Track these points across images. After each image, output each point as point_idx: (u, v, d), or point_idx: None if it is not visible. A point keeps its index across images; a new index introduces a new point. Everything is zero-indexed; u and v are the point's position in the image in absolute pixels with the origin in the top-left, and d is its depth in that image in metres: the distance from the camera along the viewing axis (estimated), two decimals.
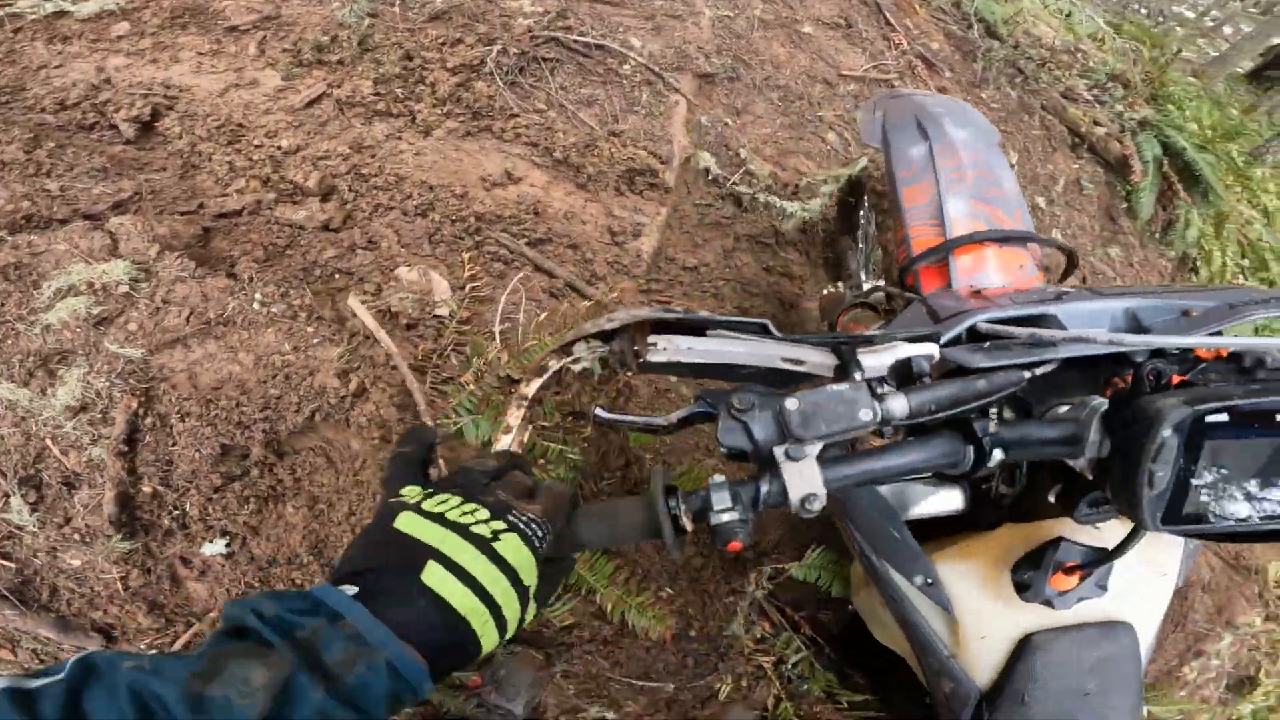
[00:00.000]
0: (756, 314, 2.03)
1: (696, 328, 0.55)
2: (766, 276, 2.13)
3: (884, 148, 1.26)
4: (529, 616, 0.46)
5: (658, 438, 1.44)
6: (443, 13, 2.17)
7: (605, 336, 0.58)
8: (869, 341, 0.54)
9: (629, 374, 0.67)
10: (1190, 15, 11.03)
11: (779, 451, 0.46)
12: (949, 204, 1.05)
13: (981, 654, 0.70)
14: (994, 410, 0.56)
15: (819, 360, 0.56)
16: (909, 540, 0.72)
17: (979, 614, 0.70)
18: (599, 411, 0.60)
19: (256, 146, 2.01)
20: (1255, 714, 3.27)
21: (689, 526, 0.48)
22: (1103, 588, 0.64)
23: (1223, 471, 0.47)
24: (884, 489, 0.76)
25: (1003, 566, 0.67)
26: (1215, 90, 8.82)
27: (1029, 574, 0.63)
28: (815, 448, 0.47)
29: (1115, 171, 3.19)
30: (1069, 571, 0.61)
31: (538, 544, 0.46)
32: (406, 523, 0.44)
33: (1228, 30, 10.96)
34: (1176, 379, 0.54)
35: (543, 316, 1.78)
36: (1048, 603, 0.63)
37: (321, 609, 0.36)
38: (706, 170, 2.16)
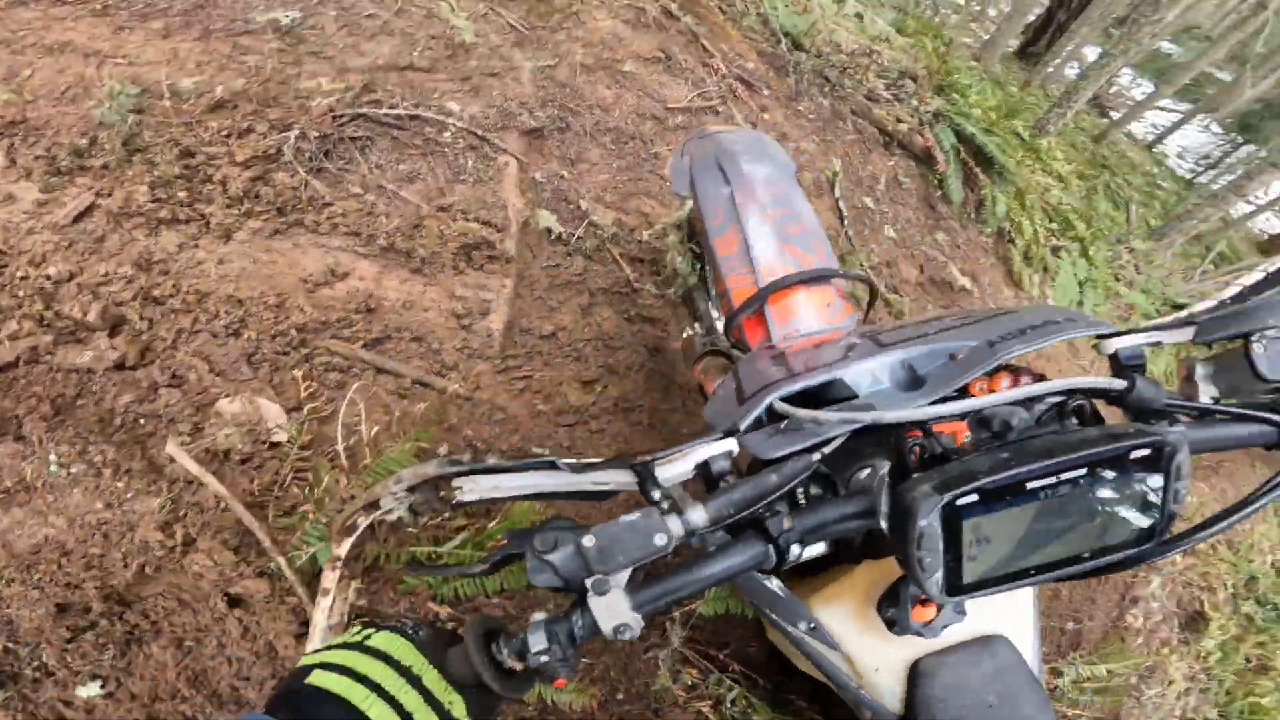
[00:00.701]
0: (624, 366, 2.01)
1: (495, 470, 0.55)
2: (629, 326, 2.10)
3: (694, 197, 1.23)
4: (459, 712, 0.49)
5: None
6: (224, 102, 1.93)
7: (409, 491, 0.57)
8: (661, 456, 0.54)
9: (446, 516, 0.63)
10: (961, 2, 12.49)
11: (588, 584, 0.47)
12: (755, 249, 1.04)
13: (882, 684, 0.72)
14: (794, 501, 0.58)
15: (622, 480, 0.55)
16: (783, 590, 0.74)
17: (865, 648, 0.72)
18: (410, 565, 0.60)
19: (22, 279, 1.68)
20: (1223, 647, 3.63)
21: (517, 667, 0.48)
22: (961, 612, 0.66)
23: (988, 543, 0.48)
24: None
25: (869, 604, 0.68)
26: (994, 72, 10.09)
27: (891, 610, 0.64)
28: (622, 577, 0.48)
29: (924, 163, 3.50)
30: (925, 603, 0.63)
31: (410, 632, 0.51)
32: (305, 659, 0.51)
33: (992, 12, 12.55)
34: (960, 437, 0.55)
35: (396, 415, 1.64)
36: (918, 634, 0.64)
37: None
38: (549, 230, 2.09)
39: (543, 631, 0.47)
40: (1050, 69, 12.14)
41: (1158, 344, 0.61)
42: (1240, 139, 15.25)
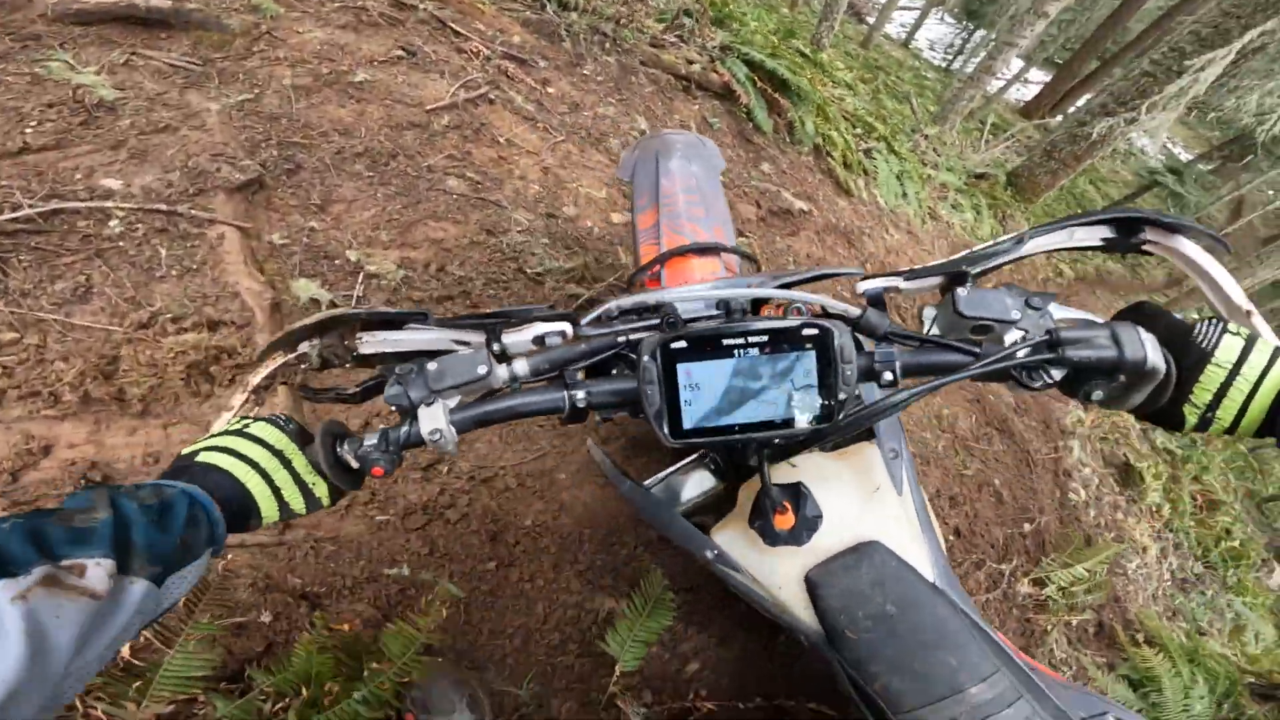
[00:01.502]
0: None
1: (388, 323, 0.62)
2: None
3: (630, 180, 1.37)
4: (320, 491, 0.60)
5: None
6: None
7: (318, 331, 0.61)
8: (509, 321, 0.64)
9: (348, 366, 0.64)
10: None
11: (420, 400, 0.58)
12: (664, 226, 1.18)
13: (789, 600, 0.74)
14: (605, 374, 0.68)
15: (477, 339, 0.64)
16: (685, 525, 0.81)
17: (759, 566, 0.76)
18: (302, 389, 0.70)
19: None
20: (1167, 495, 3.59)
21: (354, 465, 0.58)
22: (818, 517, 0.71)
23: (698, 390, 0.59)
24: (656, 489, 0.87)
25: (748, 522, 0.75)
26: None
27: (759, 522, 0.71)
28: (452, 400, 0.60)
29: (727, 99, 3.30)
30: (782, 512, 0.68)
31: (283, 424, 0.59)
32: (196, 443, 0.58)
33: None
34: None
35: None
36: (789, 542, 0.70)
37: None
38: (314, 300, 1.58)
39: (378, 435, 0.58)
40: None
41: (894, 288, 0.69)
42: (970, 25, 17.24)
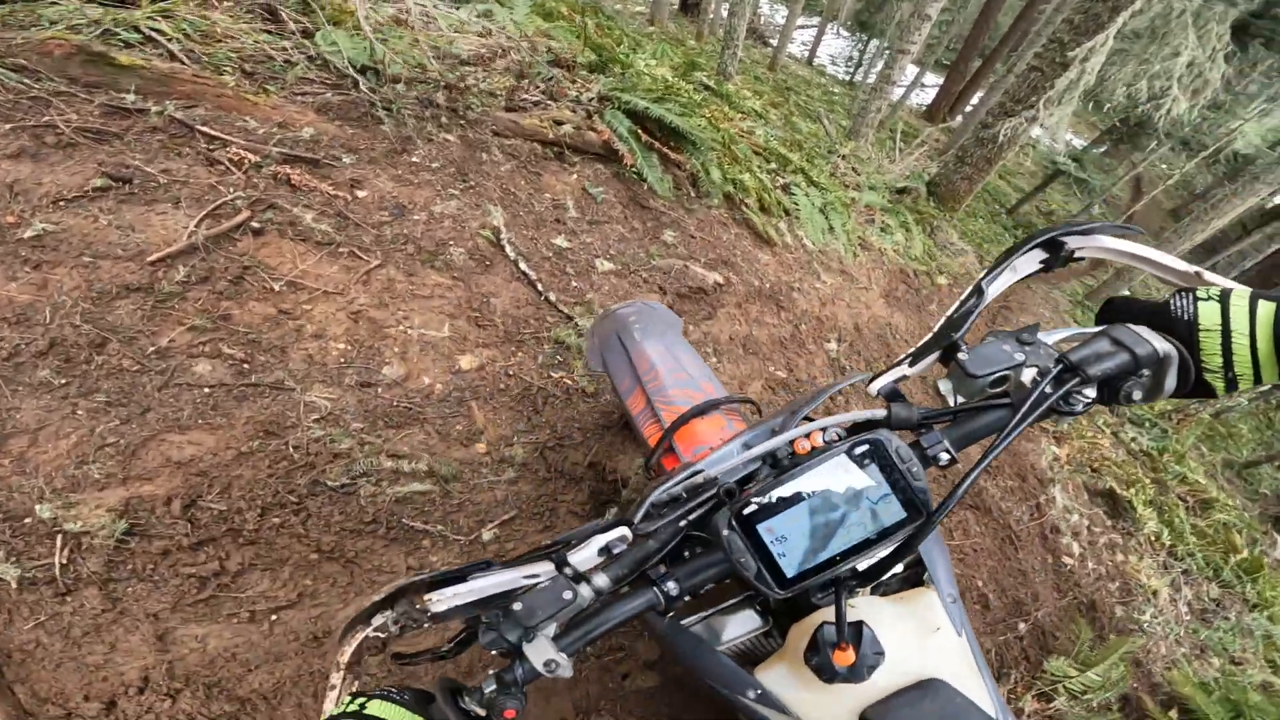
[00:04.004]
0: None
1: (453, 579, 0.59)
2: None
3: (604, 369, 1.32)
4: None
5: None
6: None
7: (387, 604, 0.60)
8: (569, 544, 0.62)
9: (426, 626, 0.59)
10: None
11: (522, 638, 0.57)
12: (655, 402, 1.15)
13: None
14: (680, 559, 0.66)
15: (546, 569, 0.61)
16: (727, 663, 0.76)
17: (809, 705, 0.70)
18: (395, 657, 0.67)
19: None
20: (1159, 515, 3.10)
21: (481, 713, 0.55)
22: (880, 654, 0.64)
23: (786, 540, 0.58)
24: (696, 628, 0.81)
25: (801, 661, 0.68)
26: (670, 31, 10.04)
27: (815, 658, 0.65)
28: (550, 629, 0.58)
29: (611, 161, 2.65)
30: (842, 648, 0.63)
31: (397, 696, 0.54)
32: None
33: None
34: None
35: None
36: (847, 680, 0.64)
37: None
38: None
39: (494, 680, 0.56)
40: (712, 14, 12.55)
41: (903, 378, 0.69)
42: (864, 36, 17.45)
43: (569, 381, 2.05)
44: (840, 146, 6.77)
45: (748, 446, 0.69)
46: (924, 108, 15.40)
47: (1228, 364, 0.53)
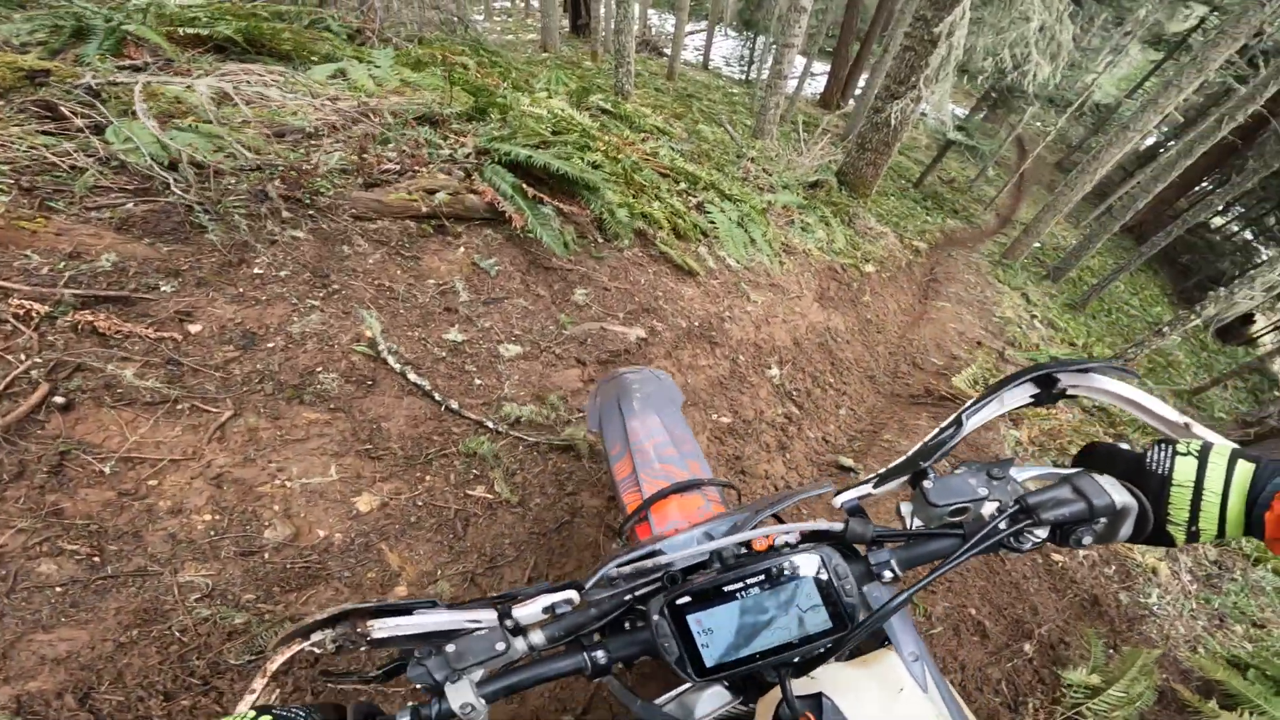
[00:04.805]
0: None
1: (399, 611, 0.59)
2: None
3: (599, 431, 1.30)
4: None
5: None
6: None
7: (330, 623, 0.59)
8: (515, 597, 0.63)
9: (364, 649, 0.60)
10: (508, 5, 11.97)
11: (446, 678, 0.57)
12: (640, 472, 1.15)
13: None
14: (618, 629, 0.66)
15: (489, 617, 0.61)
16: None
17: None
18: (322, 674, 0.73)
19: None
20: None
21: None
22: None
23: (713, 634, 0.58)
24: (669, 707, 0.79)
25: None
26: (565, 55, 9.75)
27: None
28: (476, 674, 0.59)
29: (499, 223, 2.33)
30: None
31: (303, 716, 0.52)
32: None
33: (535, 3, 12.24)
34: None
35: None
36: None
37: None
38: None
39: (410, 713, 0.55)
40: (604, 33, 12.40)
41: (867, 495, 0.70)
42: (750, 34, 17.80)
43: (490, 496, 1.73)
44: (747, 148, 6.69)
45: (709, 537, 0.71)
46: (817, 96, 15.81)
47: (1193, 518, 0.54)
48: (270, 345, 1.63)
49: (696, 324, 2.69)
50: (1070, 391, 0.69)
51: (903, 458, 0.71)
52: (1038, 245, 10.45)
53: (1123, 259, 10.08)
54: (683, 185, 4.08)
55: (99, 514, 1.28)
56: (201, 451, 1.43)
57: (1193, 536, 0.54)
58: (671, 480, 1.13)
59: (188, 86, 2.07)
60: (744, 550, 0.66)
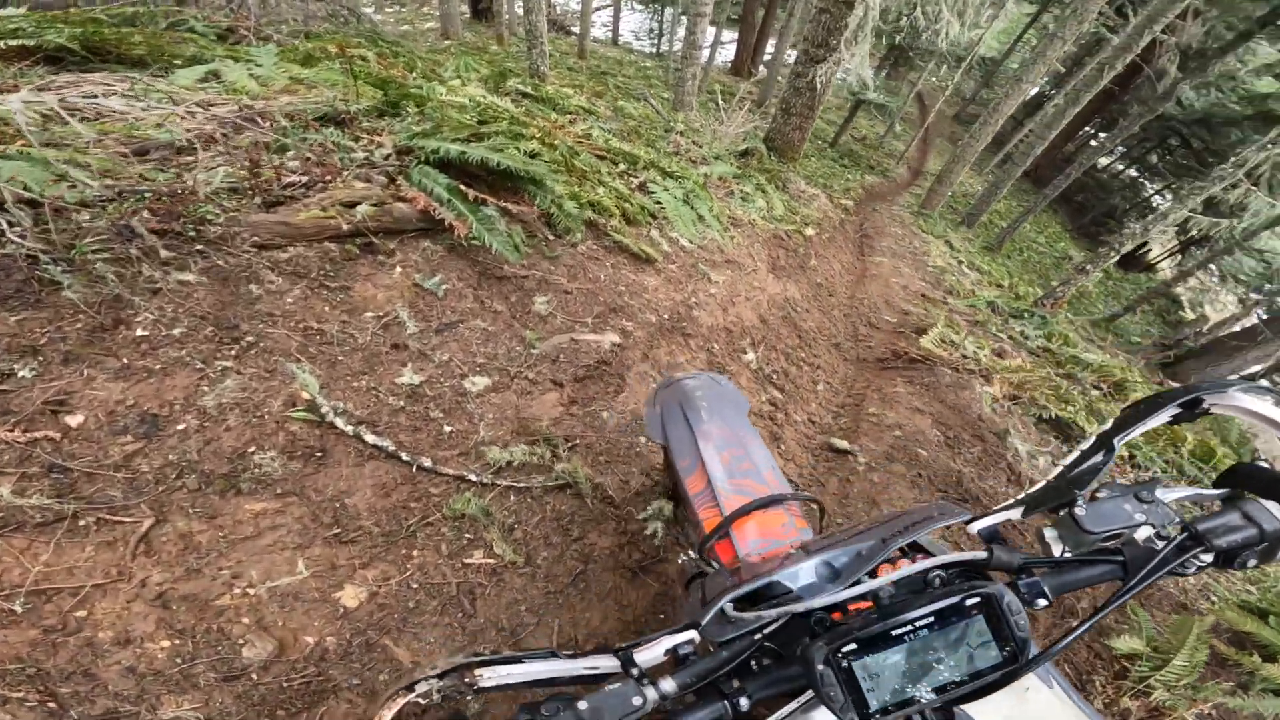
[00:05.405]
0: None
1: (510, 660, 0.57)
2: None
3: (665, 442, 1.24)
4: None
5: None
6: None
7: (439, 675, 0.56)
8: (637, 644, 0.61)
9: (469, 699, 0.56)
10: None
11: None
12: (717, 487, 1.10)
13: None
14: (749, 671, 0.62)
15: (608, 664, 0.60)
16: None
17: None
18: None
19: None
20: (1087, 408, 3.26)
21: None
22: None
23: (878, 678, 0.56)
24: None
25: None
26: (468, 41, 9.01)
27: None
28: None
29: (438, 233, 2.00)
30: None
31: None
32: None
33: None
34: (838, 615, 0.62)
35: None
36: None
37: None
38: None
39: None
40: (507, 15, 11.67)
41: (1006, 521, 0.68)
42: (657, 6, 17.35)
43: (491, 560, 1.47)
44: (673, 122, 6.46)
45: (830, 566, 0.68)
46: (729, 65, 15.71)
47: None
48: (180, 428, 1.28)
49: (666, 317, 2.48)
50: (1212, 410, 0.68)
51: (1045, 481, 0.69)
52: (950, 194, 10.93)
53: (1026, 202, 10.71)
54: (622, 166, 3.82)
55: (30, 655, 1.03)
56: (128, 570, 1.14)
57: None
58: (749, 495, 1.07)
59: None
60: (899, 590, 0.62)
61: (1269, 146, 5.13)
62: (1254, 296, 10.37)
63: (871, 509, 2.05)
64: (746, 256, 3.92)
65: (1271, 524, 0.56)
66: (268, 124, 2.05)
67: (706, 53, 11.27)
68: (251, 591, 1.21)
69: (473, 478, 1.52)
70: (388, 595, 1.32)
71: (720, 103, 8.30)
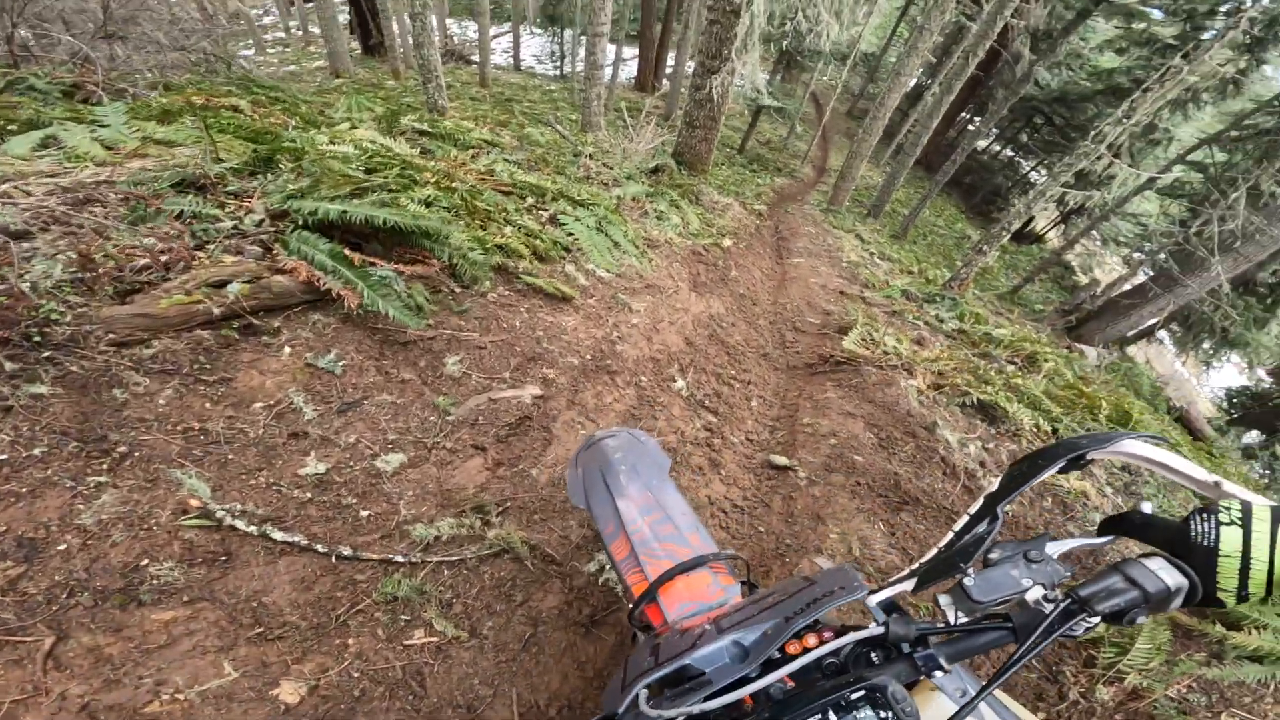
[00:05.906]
0: None
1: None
2: None
3: (588, 509, 1.22)
4: None
5: None
6: None
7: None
8: None
9: None
10: (282, 39, 10.44)
11: None
12: (640, 553, 1.10)
13: None
14: None
15: None
16: None
17: None
18: None
19: None
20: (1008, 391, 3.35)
21: None
22: None
23: None
24: None
25: None
26: (361, 78, 8.60)
27: None
28: None
29: (326, 305, 1.84)
30: None
31: None
32: None
33: (315, 30, 10.83)
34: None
35: None
36: None
37: None
38: None
39: None
40: (401, 48, 11.32)
41: (901, 593, 0.70)
42: (556, 29, 17.43)
43: (433, 639, 1.35)
44: (581, 145, 6.45)
45: (739, 645, 0.70)
46: (632, 81, 15.98)
47: (1243, 584, 0.55)
48: (62, 548, 1.11)
49: (589, 357, 2.42)
50: (1095, 460, 0.70)
51: (934, 553, 0.71)
52: (854, 189, 11.58)
53: (922, 189, 11.49)
54: (530, 200, 3.74)
55: None
56: (44, 685, 0.97)
57: (1242, 599, 0.56)
58: (674, 558, 1.10)
59: None
60: (792, 686, 0.65)
61: (1123, 120, 5.71)
62: (1137, 256, 11.26)
63: (817, 525, 2.07)
64: (667, 278, 3.92)
65: (1154, 584, 0.58)
66: (116, 195, 1.82)
67: (609, 71, 11.40)
68: (181, 696, 1.08)
69: (400, 559, 1.39)
70: (329, 686, 1.19)
71: (627, 120, 8.40)
